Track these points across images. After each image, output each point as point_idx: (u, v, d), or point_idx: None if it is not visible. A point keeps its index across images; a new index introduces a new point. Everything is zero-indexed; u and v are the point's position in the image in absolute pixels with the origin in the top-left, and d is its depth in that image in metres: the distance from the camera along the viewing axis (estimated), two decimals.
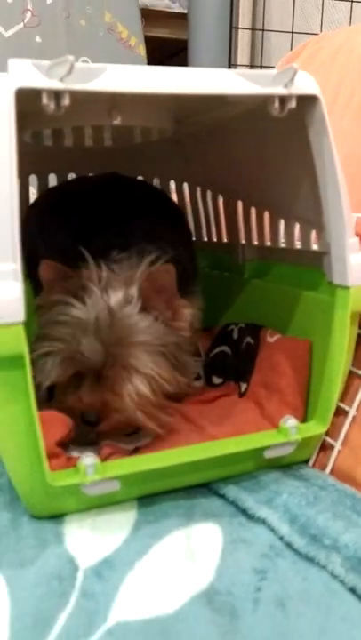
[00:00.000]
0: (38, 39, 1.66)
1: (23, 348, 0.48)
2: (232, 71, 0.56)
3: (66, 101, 0.50)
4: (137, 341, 0.61)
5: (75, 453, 0.65)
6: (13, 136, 0.47)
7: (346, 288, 0.62)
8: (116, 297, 0.62)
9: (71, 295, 0.63)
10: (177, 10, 2.19)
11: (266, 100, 0.57)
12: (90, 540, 0.54)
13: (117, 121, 0.61)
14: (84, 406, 0.62)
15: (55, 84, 0.49)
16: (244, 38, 2.22)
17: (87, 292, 0.62)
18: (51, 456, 0.55)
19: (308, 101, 0.58)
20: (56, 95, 0.50)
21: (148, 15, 2.05)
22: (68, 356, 0.61)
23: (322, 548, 0.52)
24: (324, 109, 0.58)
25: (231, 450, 0.59)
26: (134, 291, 0.63)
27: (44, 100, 0.49)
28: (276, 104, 0.56)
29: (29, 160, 0.87)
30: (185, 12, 2.10)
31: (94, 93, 0.51)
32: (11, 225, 0.47)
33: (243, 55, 2.24)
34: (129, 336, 0.61)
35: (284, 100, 0.56)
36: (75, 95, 0.50)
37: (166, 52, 2.19)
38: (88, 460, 0.54)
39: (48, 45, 1.67)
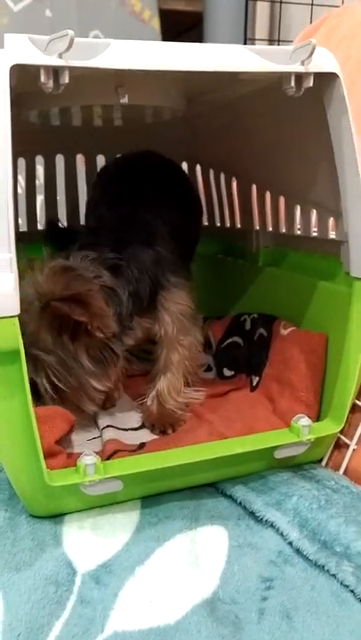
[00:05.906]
0: (48, 13, 1.60)
1: (18, 342, 0.45)
2: (245, 47, 0.53)
3: (65, 79, 0.47)
4: None
5: (76, 448, 0.63)
6: (8, 118, 0.44)
7: None
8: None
9: None
10: None
11: (281, 78, 0.53)
12: (90, 542, 0.52)
13: (125, 100, 0.58)
14: None
15: (53, 61, 0.46)
16: (262, 11, 2.15)
17: None
18: (49, 454, 0.53)
19: (326, 79, 0.54)
20: (55, 72, 0.46)
21: None
22: None
23: (333, 556, 0.49)
24: (343, 88, 0.54)
25: (239, 450, 0.57)
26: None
27: (42, 77, 0.46)
28: (293, 82, 0.53)
29: (36, 140, 0.85)
30: None
31: (97, 70, 0.47)
32: (6, 212, 0.44)
33: (261, 29, 2.16)
34: None
35: (300, 77, 0.53)
36: (77, 72, 0.47)
37: (181, 25, 2.11)
38: (88, 459, 0.52)
39: (58, 20, 1.61)
